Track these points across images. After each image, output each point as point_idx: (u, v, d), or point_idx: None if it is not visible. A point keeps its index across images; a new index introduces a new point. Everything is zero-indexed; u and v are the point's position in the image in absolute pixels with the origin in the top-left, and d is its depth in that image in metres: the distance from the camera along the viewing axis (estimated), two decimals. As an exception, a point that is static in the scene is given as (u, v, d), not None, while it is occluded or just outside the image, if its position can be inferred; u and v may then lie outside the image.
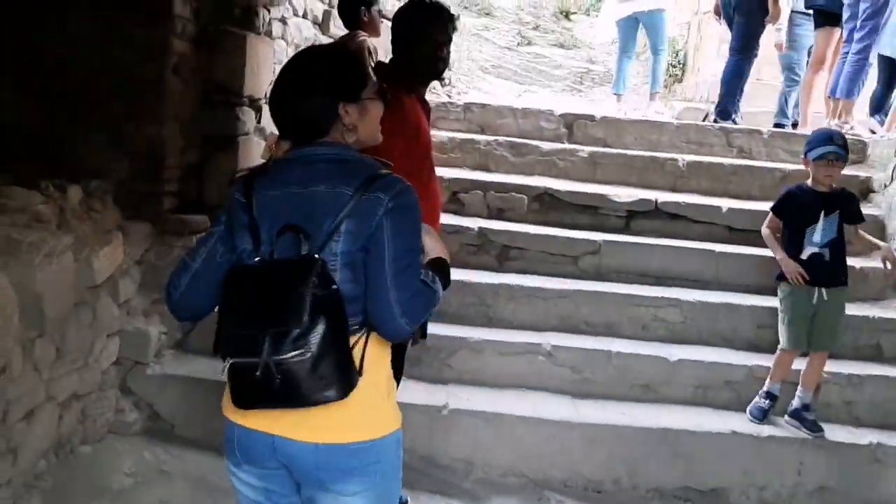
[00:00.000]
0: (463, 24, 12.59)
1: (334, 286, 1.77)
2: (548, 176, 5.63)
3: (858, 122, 6.36)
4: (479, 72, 11.34)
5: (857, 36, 6.11)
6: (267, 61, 4.76)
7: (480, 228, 5.02)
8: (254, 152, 4.71)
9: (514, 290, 4.70)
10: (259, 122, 4.75)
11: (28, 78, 3.94)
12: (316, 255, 1.78)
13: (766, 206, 5.24)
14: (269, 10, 4.70)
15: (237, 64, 4.44)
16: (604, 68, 12.31)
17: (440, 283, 1.98)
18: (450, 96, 8.04)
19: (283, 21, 5.01)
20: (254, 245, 1.86)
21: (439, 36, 3.23)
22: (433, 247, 2.08)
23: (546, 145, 5.74)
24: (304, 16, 5.38)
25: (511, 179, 5.43)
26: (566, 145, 5.82)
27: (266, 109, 4.81)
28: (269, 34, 4.78)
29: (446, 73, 8.46)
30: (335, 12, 5.72)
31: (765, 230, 4.43)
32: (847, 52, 6.29)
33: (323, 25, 5.61)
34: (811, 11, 6.64)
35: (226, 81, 4.45)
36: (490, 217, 5.28)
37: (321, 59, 1.98)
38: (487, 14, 13.40)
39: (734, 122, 6.52)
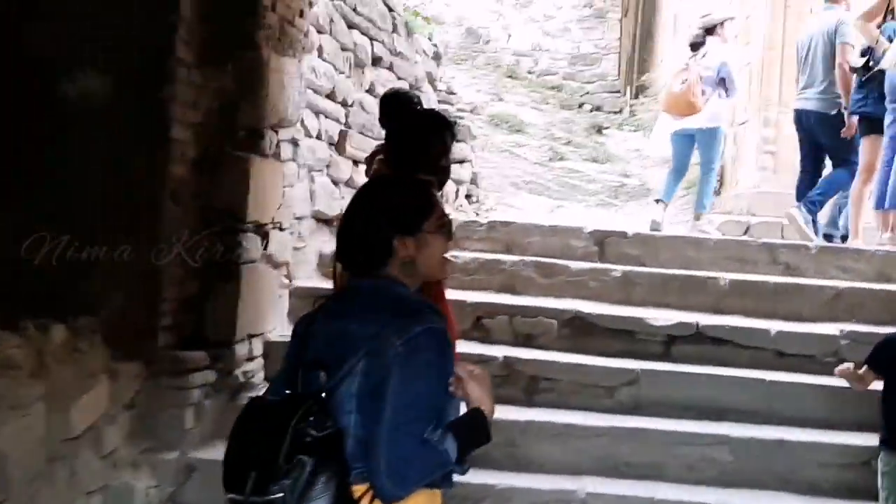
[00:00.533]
0: (493, 141, 12.51)
1: (330, 428, 1.71)
2: (578, 298, 5.24)
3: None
4: (511, 188, 11.13)
5: (902, 143, 5.77)
6: (275, 185, 4.51)
7: (506, 357, 4.62)
8: (260, 282, 4.41)
9: (545, 427, 4.26)
10: (266, 248, 4.46)
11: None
12: (307, 394, 1.75)
13: (818, 328, 4.83)
14: (276, 132, 4.47)
15: (240, 188, 4.19)
16: (638, 181, 12.06)
17: (455, 446, 1.79)
18: (477, 213, 7.79)
19: (295, 143, 4.78)
20: (287, 379, 1.87)
21: (437, 146, 3.00)
22: (478, 396, 1.90)
23: (576, 265, 5.38)
24: (319, 137, 5.16)
25: (539, 302, 5.06)
26: (597, 264, 5.46)
27: (274, 236, 4.54)
28: (277, 157, 4.54)
29: (474, 191, 8.28)
30: (352, 132, 5.51)
31: (857, 386, 3.94)
32: (890, 160, 5.91)
33: (339, 146, 5.39)
34: None
35: (228, 207, 4.19)
36: (517, 344, 4.88)
37: (381, 189, 1.99)
38: (518, 131, 13.31)
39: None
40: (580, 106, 16.04)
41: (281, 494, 1.65)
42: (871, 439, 4.22)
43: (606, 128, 15.11)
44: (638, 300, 5.22)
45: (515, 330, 4.92)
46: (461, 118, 8.25)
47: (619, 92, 16.67)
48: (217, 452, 4.02)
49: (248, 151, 4.27)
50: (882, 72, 5.93)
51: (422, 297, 1.95)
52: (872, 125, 6.09)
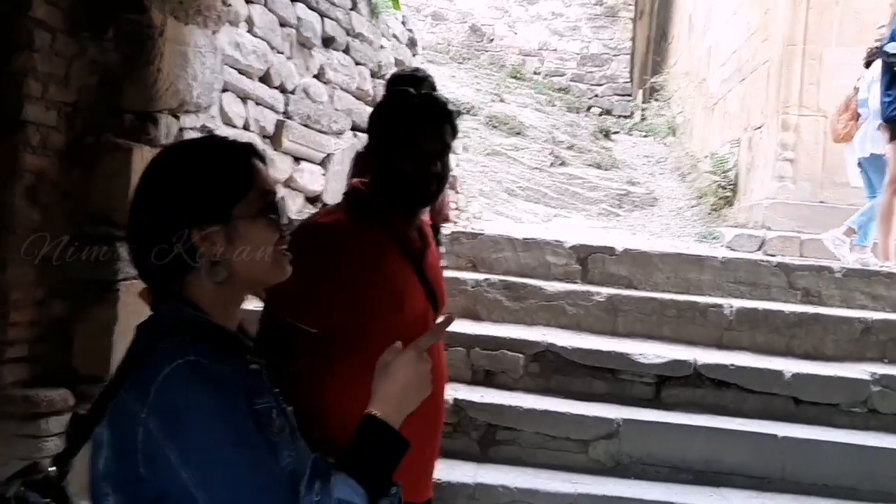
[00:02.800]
0: (490, 143, 11.65)
1: None
2: (553, 326, 4.38)
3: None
4: (504, 194, 10.26)
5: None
6: (174, 183, 3.65)
7: (458, 400, 3.75)
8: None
9: (498, 493, 3.40)
10: (160, 261, 3.60)
11: None
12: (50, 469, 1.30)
13: (843, 369, 3.95)
14: (177, 118, 3.63)
15: (119, 186, 3.34)
16: (645, 190, 11.17)
17: (354, 485, 1.23)
18: (456, 222, 6.91)
19: (209, 133, 3.93)
20: None
21: (431, 144, 2.06)
22: (379, 384, 1.36)
23: (552, 286, 4.50)
24: (246, 127, 4.31)
25: (505, 332, 4.18)
26: (578, 286, 4.57)
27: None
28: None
29: (454, 197, 7.40)
30: (292, 124, 4.66)
31: None
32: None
33: (274, 140, 4.54)
34: None
35: (104, 209, 3.35)
36: (474, 382, 4.02)
37: (172, 159, 1.36)
38: (518, 133, 12.44)
39: None
40: (588, 109, 15.23)
41: None
42: (910, 516, 3.35)
43: (615, 132, 14.29)
44: (624, 331, 4.35)
45: (473, 365, 4.06)
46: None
47: (629, 95, 15.82)
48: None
49: (133, 140, 3.42)
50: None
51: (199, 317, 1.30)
52: (908, 126, 5.20)
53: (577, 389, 3.99)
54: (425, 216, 3.73)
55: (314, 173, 5.02)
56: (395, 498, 1.32)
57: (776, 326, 4.31)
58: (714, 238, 8.87)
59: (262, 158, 1.40)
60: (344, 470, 1.25)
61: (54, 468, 1.31)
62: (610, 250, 4.75)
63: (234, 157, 1.36)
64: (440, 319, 1.43)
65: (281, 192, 4.61)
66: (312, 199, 5.24)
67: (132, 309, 3.43)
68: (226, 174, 1.33)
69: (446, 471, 3.49)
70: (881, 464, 3.58)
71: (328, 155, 4.92)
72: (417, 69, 2.44)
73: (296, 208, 5.09)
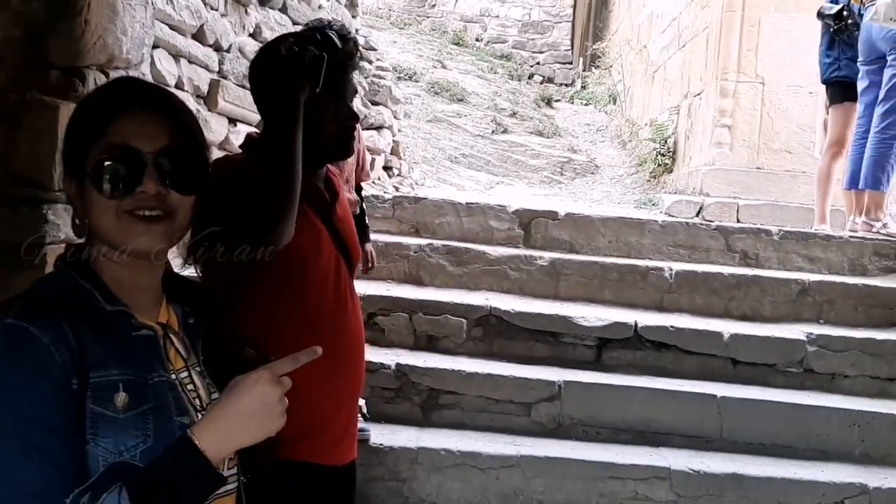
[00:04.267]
0: (432, 110, 11.56)
1: None
2: (496, 291, 4.36)
3: (892, 218, 5.11)
4: (447, 161, 10.21)
5: (880, 110, 4.92)
6: (105, 143, 3.51)
7: (400, 365, 3.71)
8: (77, 266, 3.43)
9: (441, 456, 3.38)
10: (92, 224, 3.47)
11: None
12: None
13: (780, 330, 4.01)
14: (106, 74, 3.46)
15: (46, 146, 3.18)
16: (586, 157, 11.23)
17: None
18: (398, 188, 6.84)
19: (139, 92, 3.77)
20: None
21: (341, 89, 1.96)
22: (220, 413, 1.18)
23: (495, 251, 4.47)
24: (179, 86, 4.16)
25: (448, 296, 4.14)
26: (521, 251, 4.55)
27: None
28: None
29: (395, 163, 7.32)
30: (228, 84, 4.52)
31: None
32: (865, 132, 5.08)
33: (209, 100, 4.40)
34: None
35: (28, 170, 3.20)
36: (416, 348, 3.98)
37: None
38: (460, 100, 12.37)
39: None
40: (530, 77, 15.21)
41: None
42: (842, 473, 3.43)
43: (557, 100, 14.31)
44: (566, 294, 4.34)
45: (416, 330, 4.01)
46: (381, 78, 7.26)
47: (571, 63, 15.83)
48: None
49: (61, 97, 3.26)
50: (856, 25, 5.09)
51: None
52: (846, 92, 5.26)
53: (520, 353, 3.98)
54: (338, 169, 3.67)
55: (252, 136, 4.90)
56: None
57: (715, 289, 4.35)
58: (653, 205, 8.95)
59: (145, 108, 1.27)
60: (136, 487, 1.11)
61: None
62: (552, 215, 4.74)
63: (96, 107, 1.27)
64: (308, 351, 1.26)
65: (217, 154, 4.46)
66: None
67: (61, 274, 3.31)
68: (81, 125, 1.26)
69: (389, 435, 3.47)
70: (816, 422, 3.65)
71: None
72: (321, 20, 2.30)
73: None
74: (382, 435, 3.46)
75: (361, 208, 3.65)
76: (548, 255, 4.49)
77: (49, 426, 1.12)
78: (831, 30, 5.29)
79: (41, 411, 1.12)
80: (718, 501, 3.32)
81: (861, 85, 5.14)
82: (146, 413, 1.20)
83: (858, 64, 5.16)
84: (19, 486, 1.09)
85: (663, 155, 9.96)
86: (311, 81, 1.82)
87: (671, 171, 9.85)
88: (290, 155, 1.78)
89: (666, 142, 10.02)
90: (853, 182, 5.11)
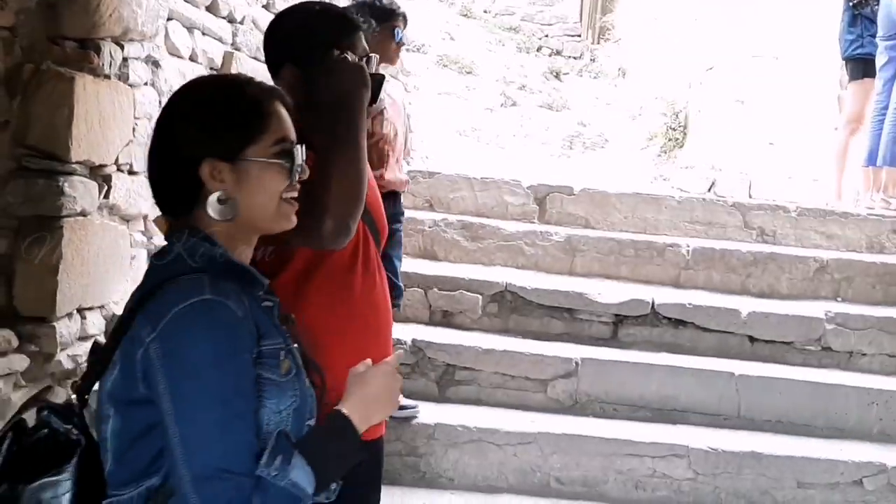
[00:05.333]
0: (441, 83, 11.48)
1: (67, 434, 1.26)
2: (511, 266, 4.33)
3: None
4: (455, 135, 10.14)
5: (897, 88, 4.87)
6: (120, 115, 3.48)
7: (416, 341, 3.70)
8: (97, 240, 3.41)
9: (457, 432, 3.38)
10: (107, 197, 3.45)
11: None
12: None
13: (798, 307, 3.98)
14: (121, 46, 3.43)
15: (60, 117, 3.16)
16: (596, 131, 11.14)
17: (309, 473, 1.24)
18: (408, 162, 6.79)
19: (154, 63, 3.75)
20: None
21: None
22: (351, 389, 1.37)
23: (510, 226, 4.44)
24: (193, 58, 4.11)
25: (463, 272, 4.12)
26: (536, 226, 4.52)
27: (120, 182, 3.53)
28: (123, 78, 3.50)
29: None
30: (241, 56, 4.47)
31: None
32: (884, 108, 5.02)
33: (223, 71, 4.35)
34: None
35: (44, 141, 3.17)
36: (432, 323, 3.97)
37: (191, 93, 1.40)
38: (469, 73, 12.26)
39: None
40: (539, 49, 15.05)
41: None
42: (861, 451, 3.42)
43: (566, 73, 14.17)
44: (582, 271, 4.32)
45: (431, 305, 4.00)
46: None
47: (580, 36, 15.68)
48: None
49: (76, 69, 3.23)
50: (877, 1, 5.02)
51: (225, 255, 1.34)
52: (866, 68, 5.20)
53: (535, 329, 3.96)
54: (390, 147, 3.60)
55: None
56: (333, 494, 1.33)
57: (732, 265, 4.32)
58: (664, 179, 8.89)
59: (287, 105, 1.40)
60: (303, 454, 1.25)
61: (75, 395, 1.32)
62: (568, 190, 4.70)
63: (254, 98, 1.37)
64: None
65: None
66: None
67: (77, 247, 3.28)
68: (242, 113, 1.34)
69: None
70: (834, 401, 3.63)
71: (279, 89, 4.77)
72: None
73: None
74: (398, 411, 3.45)
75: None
76: (563, 230, 4.46)
77: (248, 396, 1.25)
78: (852, 5, 5.22)
79: (243, 383, 1.25)
80: (736, 479, 3.31)
81: (880, 61, 5.08)
82: (296, 375, 1.36)
83: (878, 39, 5.10)
84: (226, 454, 1.19)
85: (674, 129, 9.89)
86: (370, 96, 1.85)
87: (682, 146, 9.79)
88: (356, 152, 1.78)
89: (677, 116, 9.95)
90: (871, 159, 5.06)
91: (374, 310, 1.94)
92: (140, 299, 1.28)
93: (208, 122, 1.34)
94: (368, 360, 1.44)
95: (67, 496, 1.25)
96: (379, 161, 3.45)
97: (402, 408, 3.39)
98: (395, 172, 3.54)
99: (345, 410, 1.32)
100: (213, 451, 1.19)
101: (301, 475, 1.23)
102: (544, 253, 4.36)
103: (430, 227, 4.40)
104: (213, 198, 1.31)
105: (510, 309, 4.00)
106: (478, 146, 10.20)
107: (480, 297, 3.98)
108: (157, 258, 1.35)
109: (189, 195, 1.33)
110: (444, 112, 10.43)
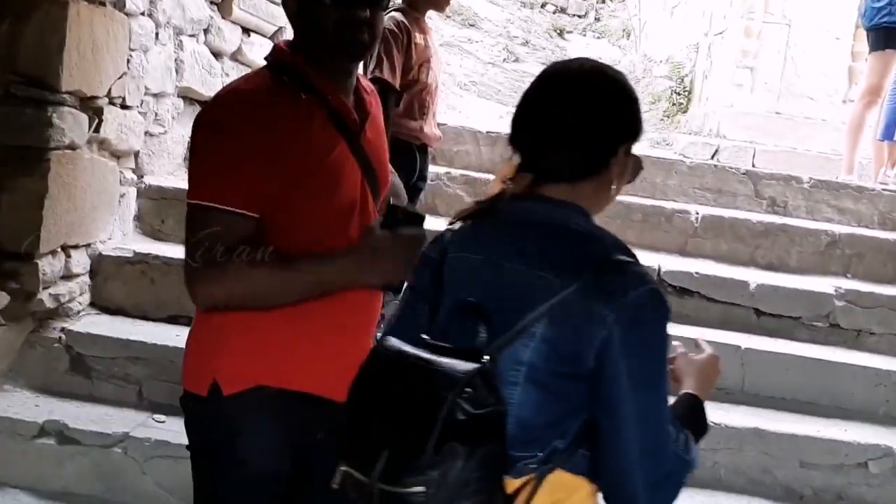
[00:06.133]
0: (443, 34, 11.23)
1: (492, 406, 1.22)
2: (515, 227, 4.19)
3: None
4: (457, 88, 9.92)
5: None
6: (114, 45, 3.31)
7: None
8: (85, 175, 3.25)
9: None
10: (98, 131, 3.29)
11: None
12: (468, 351, 1.25)
13: (808, 282, 3.87)
14: (117, -24, 3.24)
15: (51, 44, 2.99)
16: (598, 91, 10.94)
17: (696, 448, 1.36)
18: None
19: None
20: (428, 320, 1.41)
21: None
22: (691, 374, 1.53)
23: (515, 184, 4.29)
24: (193, -8, 3.91)
25: (464, 228, 3.97)
26: (542, 185, 4.37)
27: (111, 115, 3.36)
28: (119, 6, 3.33)
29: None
30: (243, -11, 4.27)
31: None
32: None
33: (223, 7, 4.16)
34: None
35: (33, 69, 3.00)
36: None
37: (616, 84, 1.42)
38: (472, 25, 12.00)
39: None
40: (543, 6, 14.76)
41: (422, 489, 1.18)
42: (866, 433, 3.33)
43: (569, 32, 13.91)
44: (589, 233, 4.18)
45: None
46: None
47: (585, -7, 15.38)
48: (15, 400, 2.98)
49: (69, -7, 3.04)
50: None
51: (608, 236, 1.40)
52: (889, 38, 5.02)
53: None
54: (420, 101, 3.43)
55: (264, 47, 4.66)
56: None
57: (741, 235, 4.19)
58: (667, 144, 8.73)
59: None
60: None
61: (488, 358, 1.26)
62: (576, 148, 4.53)
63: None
64: None
65: (229, 65, 4.22)
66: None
67: (64, 182, 3.12)
68: (639, 112, 1.44)
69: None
70: (841, 380, 3.53)
71: (280, 28, 4.54)
72: None
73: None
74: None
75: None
76: (570, 189, 4.30)
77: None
78: None
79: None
80: (738, 455, 3.22)
81: (902, 32, 4.92)
82: None
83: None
84: (667, 432, 1.30)
85: (679, 94, 9.71)
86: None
87: (686, 111, 9.62)
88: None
89: (682, 80, 9.76)
90: (888, 133, 4.91)
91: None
92: (575, 275, 1.29)
93: (636, 109, 1.43)
94: (704, 345, 1.63)
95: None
96: (420, 112, 3.33)
97: None
98: (433, 127, 3.40)
99: (697, 394, 1.49)
100: (662, 427, 1.30)
101: (696, 451, 1.36)
102: (549, 212, 4.21)
103: (432, 181, 4.23)
104: (603, 181, 1.39)
105: (511, 271, 3.86)
106: (478, 100, 10.01)
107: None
108: (518, 219, 1.38)
109: (588, 170, 1.38)
110: (444, 64, 10.21)
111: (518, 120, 1.43)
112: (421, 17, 3.34)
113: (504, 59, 11.40)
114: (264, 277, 1.61)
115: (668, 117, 9.77)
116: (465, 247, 1.41)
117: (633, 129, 1.41)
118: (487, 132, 4.55)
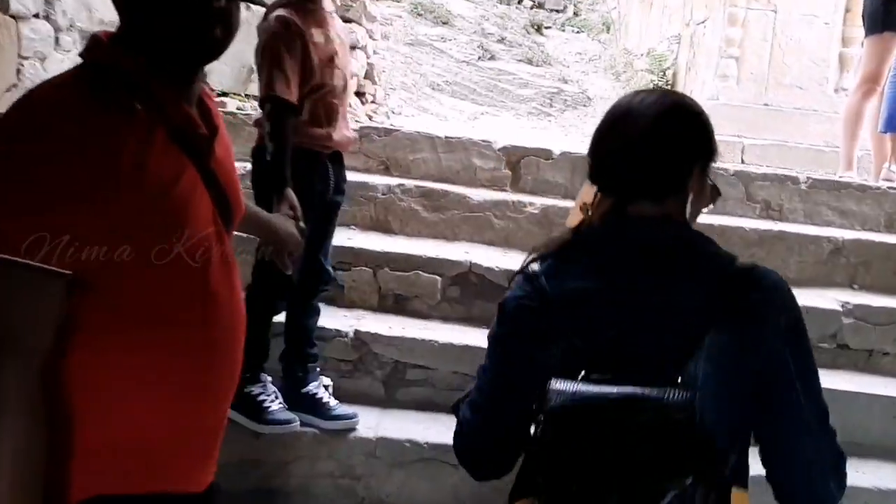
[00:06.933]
0: (414, 32, 10.75)
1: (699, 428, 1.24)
2: (478, 242, 3.71)
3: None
4: (429, 89, 9.45)
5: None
6: (0, 53, 2.82)
7: (359, 334, 3.09)
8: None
9: (405, 449, 2.79)
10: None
11: None
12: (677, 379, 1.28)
13: (811, 296, 3.40)
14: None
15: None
16: (578, 88, 10.49)
17: None
18: (371, 117, 6.13)
19: None
20: (561, 362, 1.32)
21: None
22: None
23: (478, 194, 3.81)
24: (98, -13, 3.42)
25: (421, 248, 3.50)
26: (508, 195, 3.88)
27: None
28: (3, 8, 2.83)
29: (370, 89, 6.59)
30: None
31: None
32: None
33: None
34: None
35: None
36: (381, 309, 3.35)
37: (693, 103, 1.48)
38: (445, 23, 11.53)
39: None
40: (520, 2, 14.34)
41: None
42: (885, 474, 2.87)
43: (547, 27, 13.50)
44: (561, 248, 3.70)
45: (381, 288, 3.38)
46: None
47: (563, -13, 14.95)
48: None
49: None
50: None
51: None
52: (886, 19, 4.56)
53: (504, 318, 3.36)
54: (337, 98, 2.91)
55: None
56: None
57: (733, 244, 3.70)
58: (651, 142, 8.30)
59: None
60: None
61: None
62: (545, 153, 4.06)
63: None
64: None
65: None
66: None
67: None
68: (712, 135, 1.45)
69: (343, 420, 2.86)
70: (853, 410, 3.06)
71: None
72: None
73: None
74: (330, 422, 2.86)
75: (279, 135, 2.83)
76: (539, 200, 3.83)
77: None
78: None
79: None
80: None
81: (904, 14, 4.46)
82: None
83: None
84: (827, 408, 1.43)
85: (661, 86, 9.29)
86: None
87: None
88: None
89: (665, 73, 9.33)
90: (891, 124, 4.45)
91: (216, 321, 1.36)
92: (727, 281, 1.34)
93: (709, 130, 1.44)
94: None
95: None
96: (328, 118, 2.79)
97: (335, 417, 2.82)
98: (344, 130, 2.88)
99: None
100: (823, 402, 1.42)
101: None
102: (517, 227, 3.74)
103: (384, 195, 3.76)
104: (684, 199, 1.41)
105: (475, 293, 3.39)
106: (451, 101, 9.54)
107: (440, 278, 3.37)
108: (644, 232, 1.38)
109: (670, 189, 1.39)
110: (415, 63, 9.73)
111: (599, 146, 1.43)
112: (316, 6, 2.74)
113: (479, 58, 10.93)
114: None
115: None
116: (576, 275, 1.37)
117: (707, 149, 1.43)
118: (447, 137, 4.06)
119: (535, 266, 1.42)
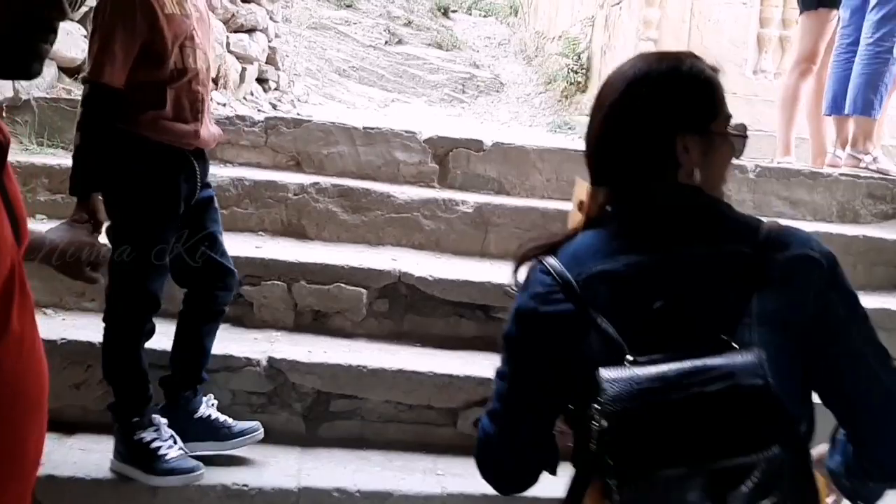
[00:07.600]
0: (316, 15, 10.22)
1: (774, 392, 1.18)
2: (406, 247, 3.30)
3: (884, 152, 4.25)
4: (335, 75, 8.96)
5: (874, 16, 4.01)
6: None
7: (273, 361, 2.64)
8: None
9: (333, 500, 2.35)
10: None
11: None
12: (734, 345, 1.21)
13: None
14: None
15: None
16: (490, 74, 10.16)
17: None
18: (275, 106, 5.63)
19: None
20: (609, 347, 1.23)
21: None
22: None
23: (404, 192, 3.39)
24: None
25: (341, 256, 3.06)
26: (437, 192, 3.48)
27: None
28: None
29: (273, 75, 6.07)
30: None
31: None
32: (852, 44, 4.18)
33: None
34: None
35: None
36: (298, 329, 2.92)
37: (655, 79, 1.37)
38: (349, 6, 11.04)
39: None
40: (424, -17, 13.93)
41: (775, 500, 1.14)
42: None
43: (454, 10, 13.15)
44: (498, 251, 3.31)
45: (297, 305, 2.93)
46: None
47: (468, -31, 14.61)
48: None
49: None
50: None
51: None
52: (822, -5, 4.31)
53: (440, 333, 2.96)
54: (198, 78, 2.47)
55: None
56: None
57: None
58: (570, 128, 8.00)
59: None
60: None
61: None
62: (476, 144, 3.65)
63: (708, 81, 1.37)
64: None
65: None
66: (71, 71, 3.85)
67: None
68: (705, 93, 1.35)
69: (256, 468, 2.42)
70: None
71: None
72: None
73: (48, 80, 3.71)
74: (245, 467, 2.41)
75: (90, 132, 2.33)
76: (472, 197, 3.44)
77: None
78: None
79: None
80: None
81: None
82: None
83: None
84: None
85: (576, 72, 9.00)
86: None
87: (585, 91, 8.91)
88: None
89: (579, 57, 9.05)
90: (836, 106, 4.21)
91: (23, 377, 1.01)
92: (764, 239, 1.28)
93: (679, 98, 1.34)
94: None
95: None
96: (193, 112, 2.30)
97: (239, 434, 2.41)
98: (209, 125, 2.40)
99: None
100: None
101: None
102: (448, 228, 3.34)
103: (296, 195, 3.30)
104: (679, 170, 1.32)
105: (405, 306, 2.98)
106: (359, 87, 9.07)
107: (365, 291, 2.94)
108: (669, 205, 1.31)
109: (653, 167, 1.32)
110: (319, 48, 9.22)
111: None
112: None
113: (386, 42, 10.49)
114: None
115: (567, 97, 9.08)
116: (601, 260, 1.29)
117: (689, 112, 1.33)
118: (365, 129, 3.62)
119: (550, 260, 1.32)
